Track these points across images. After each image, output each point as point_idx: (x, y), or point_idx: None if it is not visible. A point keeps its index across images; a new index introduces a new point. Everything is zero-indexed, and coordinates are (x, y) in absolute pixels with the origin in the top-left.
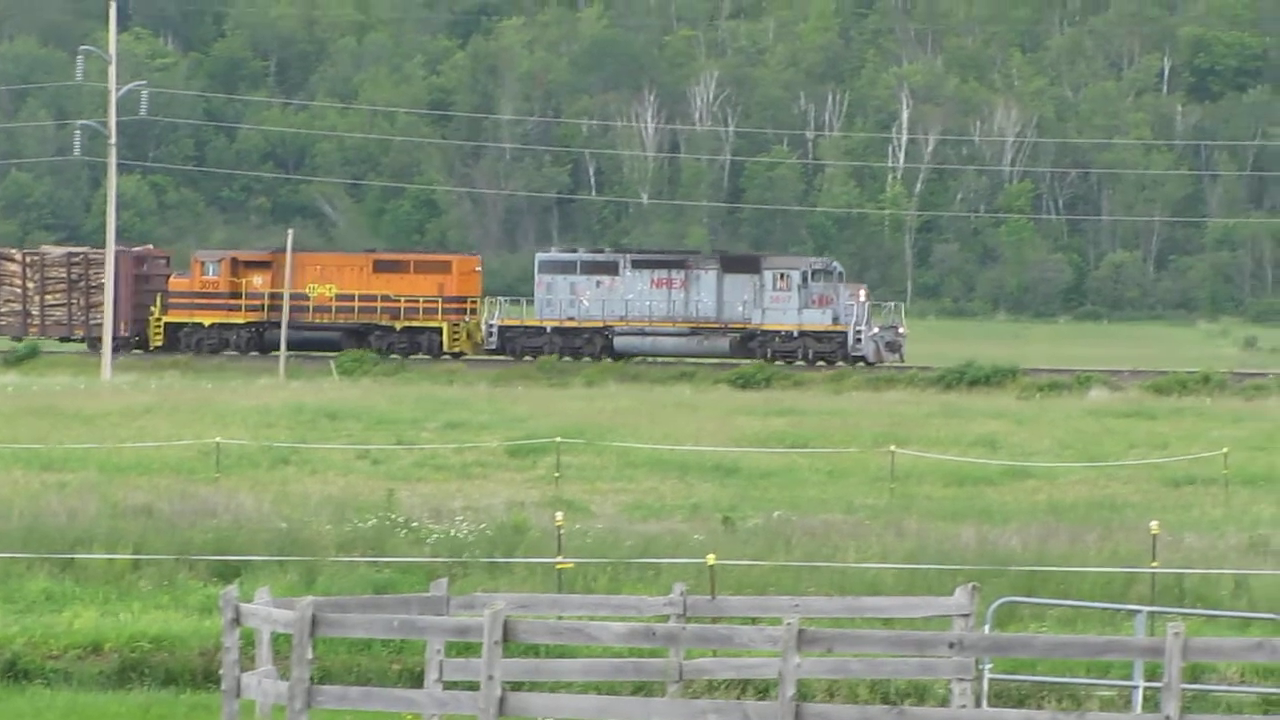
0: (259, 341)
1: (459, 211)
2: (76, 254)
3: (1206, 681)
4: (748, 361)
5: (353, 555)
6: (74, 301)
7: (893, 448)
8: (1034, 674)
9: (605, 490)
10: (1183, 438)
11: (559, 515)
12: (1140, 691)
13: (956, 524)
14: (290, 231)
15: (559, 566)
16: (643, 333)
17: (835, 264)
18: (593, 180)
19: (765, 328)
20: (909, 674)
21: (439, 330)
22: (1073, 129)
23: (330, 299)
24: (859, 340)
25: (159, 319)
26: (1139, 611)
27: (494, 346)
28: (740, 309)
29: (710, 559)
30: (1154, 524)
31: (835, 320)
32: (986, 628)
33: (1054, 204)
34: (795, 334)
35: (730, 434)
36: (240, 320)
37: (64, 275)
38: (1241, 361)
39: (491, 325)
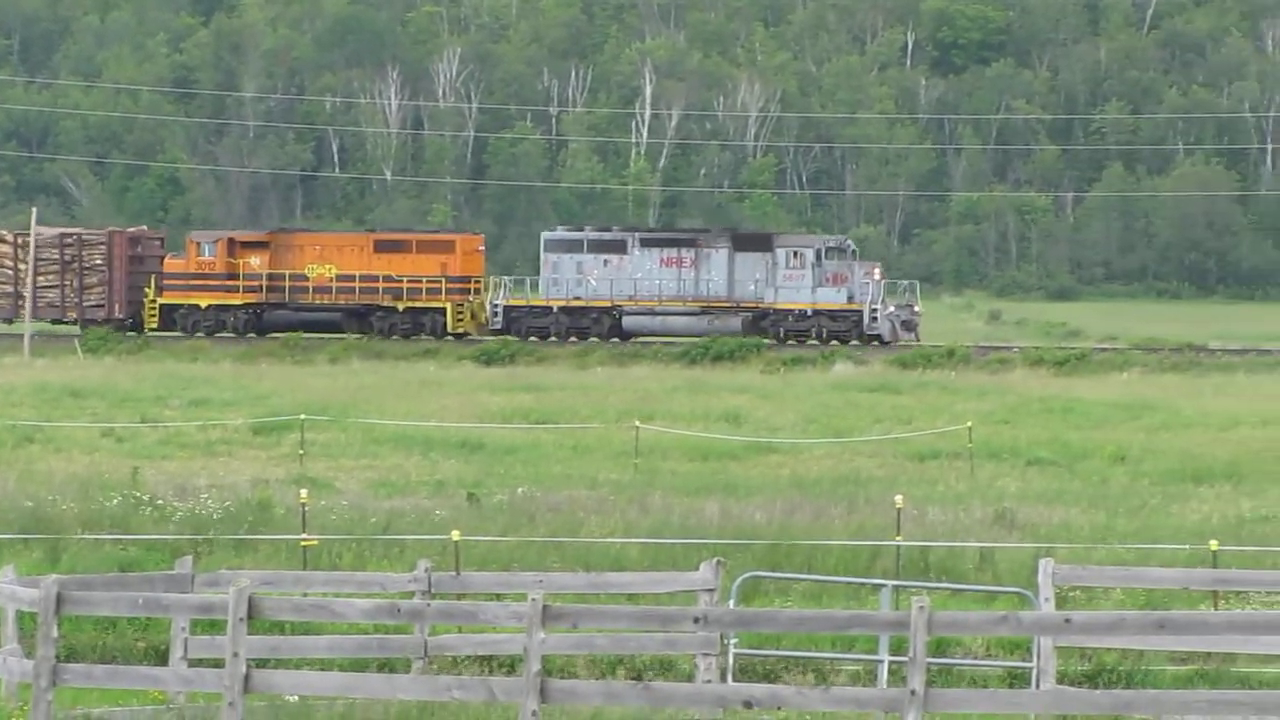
0: (257, 323)
1: (203, 189)
2: (69, 234)
3: (952, 655)
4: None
5: (98, 533)
6: (67, 283)
7: (637, 423)
8: (779, 649)
9: (350, 467)
10: (927, 412)
11: (303, 493)
12: (885, 666)
13: (701, 499)
14: (34, 209)
15: (304, 544)
16: (652, 312)
17: (849, 242)
18: (336, 157)
19: (778, 307)
20: (654, 649)
21: (443, 311)
22: (816, 103)
23: (330, 279)
24: (875, 319)
25: (154, 301)
26: (884, 586)
27: (499, 327)
28: (752, 288)
29: (455, 535)
30: (898, 498)
31: (850, 299)
32: (731, 602)
33: (798, 178)
34: (809, 313)
35: (475, 410)
36: (238, 301)
37: (56, 256)
38: (986, 335)
39: (496, 305)
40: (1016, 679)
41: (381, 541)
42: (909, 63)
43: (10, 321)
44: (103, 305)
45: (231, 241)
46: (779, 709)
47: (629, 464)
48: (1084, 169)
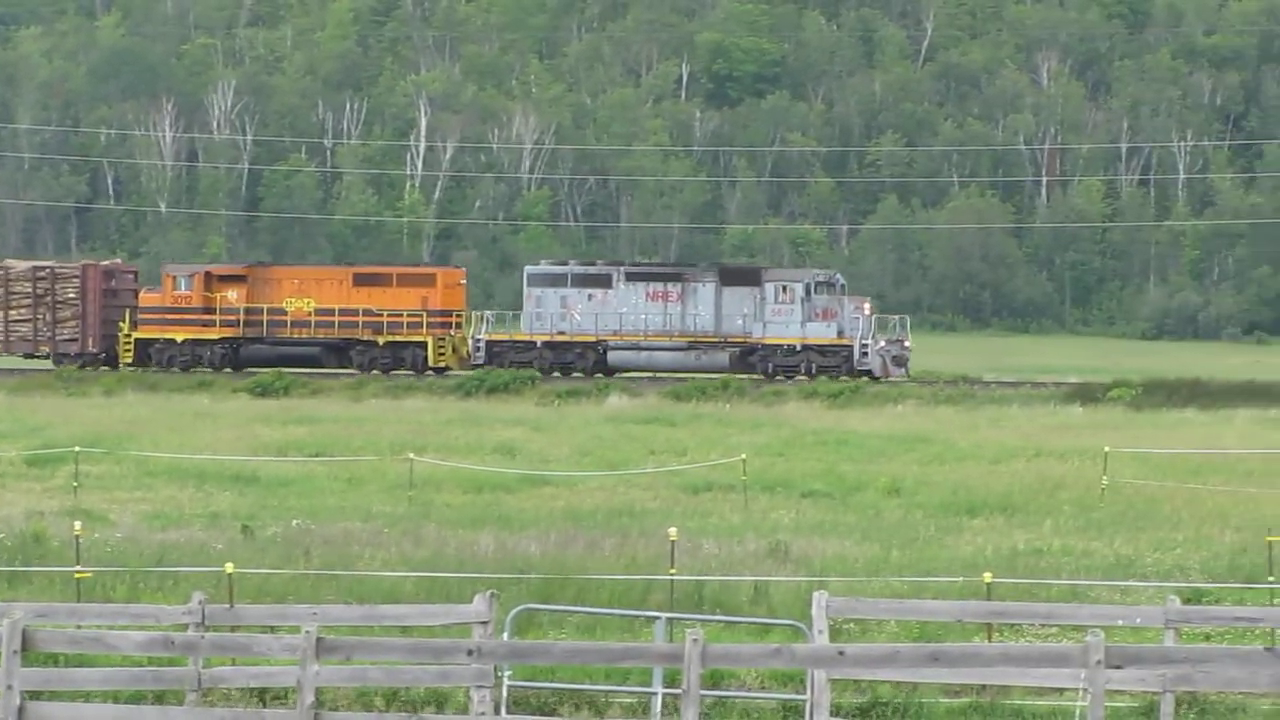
0: (234, 357)
1: None
2: (42, 268)
3: (726, 688)
4: (750, 376)
5: None
6: (39, 317)
7: (411, 455)
8: (554, 681)
9: (124, 499)
10: (702, 444)
11: (78, 525)
12: (660, 698)
13: (475, 531)
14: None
15: (78, 576)
16: (638, 347)
17: (838, 276)
18: (111, 189)
19: (766, 341)
20: (428, 681)
21: (424, 345)
22: (591, 135)
23: (309, 313)
24: (865, 354)
25: (129, 335)
26: (658, 618)
27: (481, 361)
28: (740, 322)
29: (229, 568)
30: (672, 531)
31: (840, 334)
32: (505, 635)
33: (572, 210)
34: (798, 348)
35: (250, 443)
36: (215, 336)
37: (30, 290)
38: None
39: (479, 340)
40: (790, 712)
41: (156, 574)
42: (684, 95)
43: None
44: (76, 339)
45: (209, 275)
46: None
47: (403, 496)
48: (859, 201)
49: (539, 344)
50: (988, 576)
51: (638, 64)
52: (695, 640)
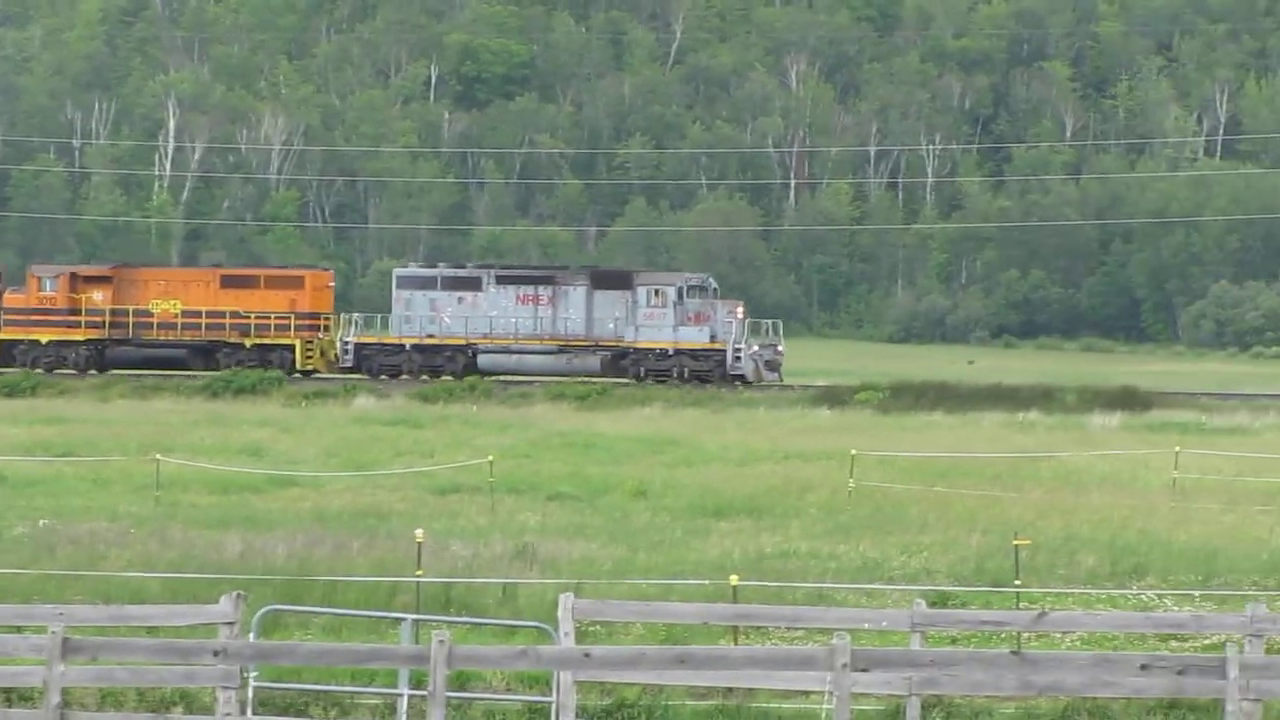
0: (99, 359)
1: None
2: None
3: (472, 689)
4: (621, 381)
5: None
6: None
7: (158, 456)
8: (300, 682)
9: None
10: (449, 446)
11: None
12: (406, 699)
13: (222, 532)
14: None
15: None
16: (508, 350)
17: (710, 280)
18: None
19: (639, 345)
20: (175, 682)
21: (291, 348)
22: (339, 137)
23: (175, 315)
24: (738, 358)
25: None
26: (404, 619)
27: (350, 364)
28: (611, 326)
29: None
30: (419, 532)
31: (713, 338)
32: (252, 635)
33: (321, 211)
34: (671, 352)
35: None
36: (80, 337)
37: None
38: None
39: (347, 343)
40: (536, 714)
41: None
42: (432, 97)
43: None
44: None
45: (74, 276)
46: None
47: (150, 497)
48: (607, 203)
49: (408, 347)
50: (734, 579)
51: (387, 65)
52: (441, 642)
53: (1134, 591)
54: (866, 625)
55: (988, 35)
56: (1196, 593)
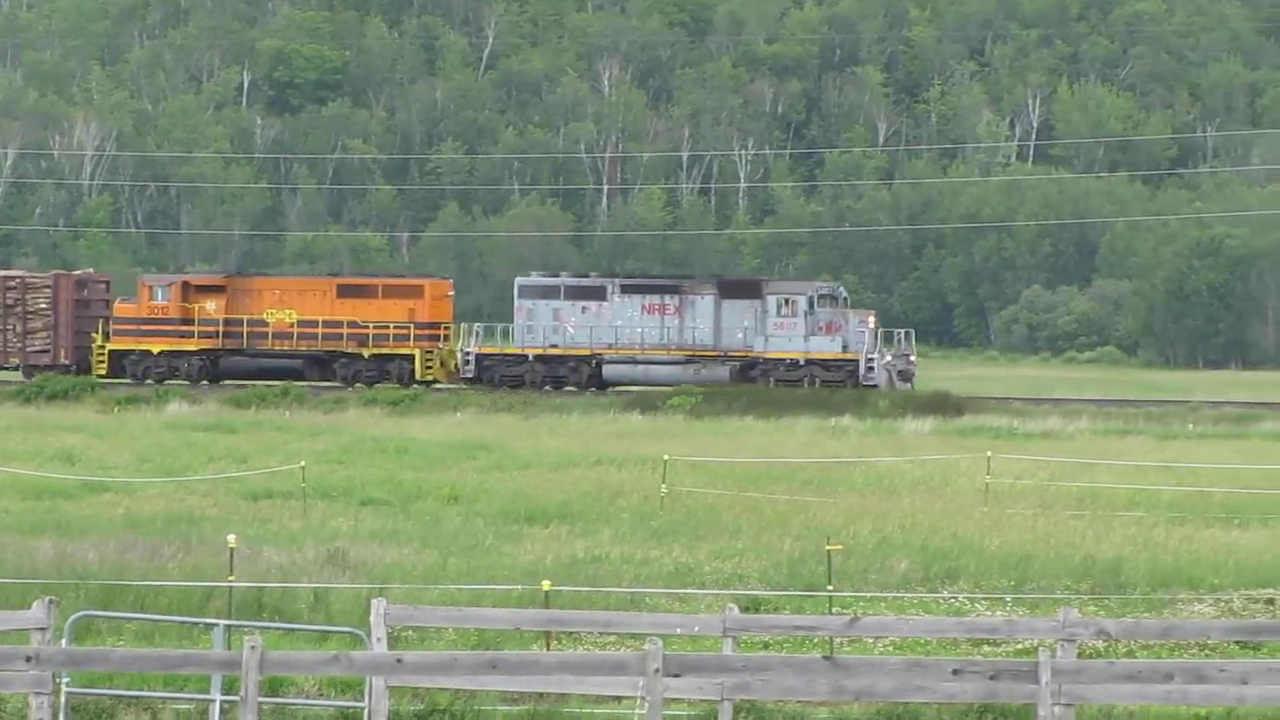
0: (212, 370)
1: None
2: (13, 277)
3: (285, 695)
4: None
5: None
6: (9, 328)
7: None
8: (113, 687)
9: None
10: (261, 451)
11: None
12: (218, 705)
13: (34, 538)
14: None
15: None
16: (634, 361)
17: (841, 289)
18: None
19: (769, 355)
20: None
21: (410, 358)
22: (152, 142)
23: (291, 325)
24: (871, 368)
25: (102, 346)
26: (216, 625)
27: (471, 375)
28: (740, 336)
29: None
30: (231, 538)
31: (845, 348)
32: (64, 641)
33: (133, 217)
34: (802, 362)
35: None
36: (193, 348)
37: None
38: None
39: (468, 353)
40: (349, 719)
41: None
42: (245, 102)
43: None
44: (48, 350)
45: (186, 285)
46: None
47: None
48: (419, 209)
49: (531, 357)
50: (546, 584)
51: (199, 71)
52: (253, 647)
53: (947, 596)
54: (679, 630)
55: (800, 40)
56: (1009, 597)
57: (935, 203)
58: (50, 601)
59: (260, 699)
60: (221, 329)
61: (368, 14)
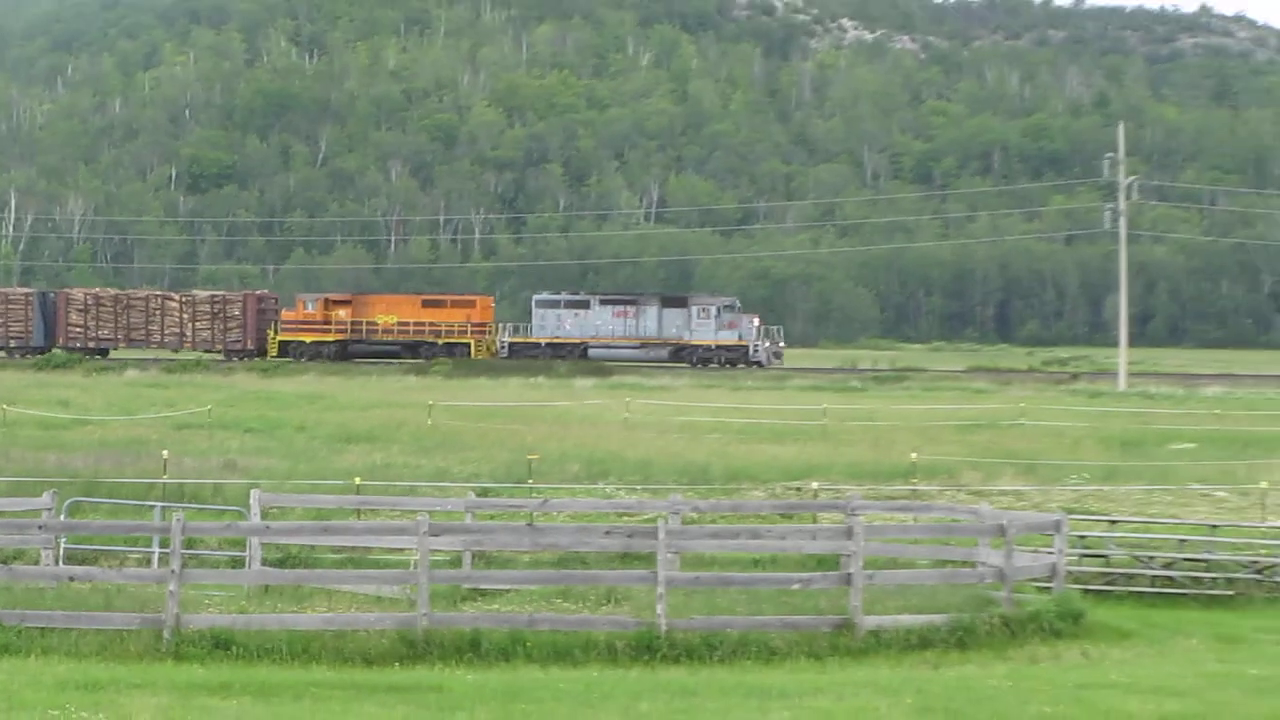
0: (343, 353)
1: None
2: (217, 296)
3: (198, 549)
4: (682, 365)
5: None
6: (215, 327)
7: (3, 405)
8: (93, 545)
9: None
10: (184, 399)
11: None
12: (157, 555)
13: (43, 452)
14: None
15: None
16: (608, 346)
17: (737, 301)
18: None
19: (693, 343)
20: (13, 545)
21: (468, 345)
22: (116, 211)
23: (393, 325)
24: (756, 351)
25: (274, 338)
26: (155, 506)
27: (505, 355)
28: (674, 330)
29: None
30: (165, 452)
31: (740, 338)
32: (62, 516)
33: (105, 256)
34: (714, 347)
35: None
36: (332, 339)
37: (208, 310)
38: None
39: (504, 342)
40: (238, 562)
41: None
42: (173, 186)
43: (176, 351)
44: (240, 340)
45: (327, 300)
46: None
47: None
48: (280, 251)
49: (543, 344)
50: (358, 480)
51: (145, 167)
52: (179, 520)
53: (601, 486)
54: (438, 508)
55: (512, 147)
56: (639, 487)
57: (595, 247)
58: (53, 492)
59: (182, 551)
60: (349, 327)
61: (248, 132)
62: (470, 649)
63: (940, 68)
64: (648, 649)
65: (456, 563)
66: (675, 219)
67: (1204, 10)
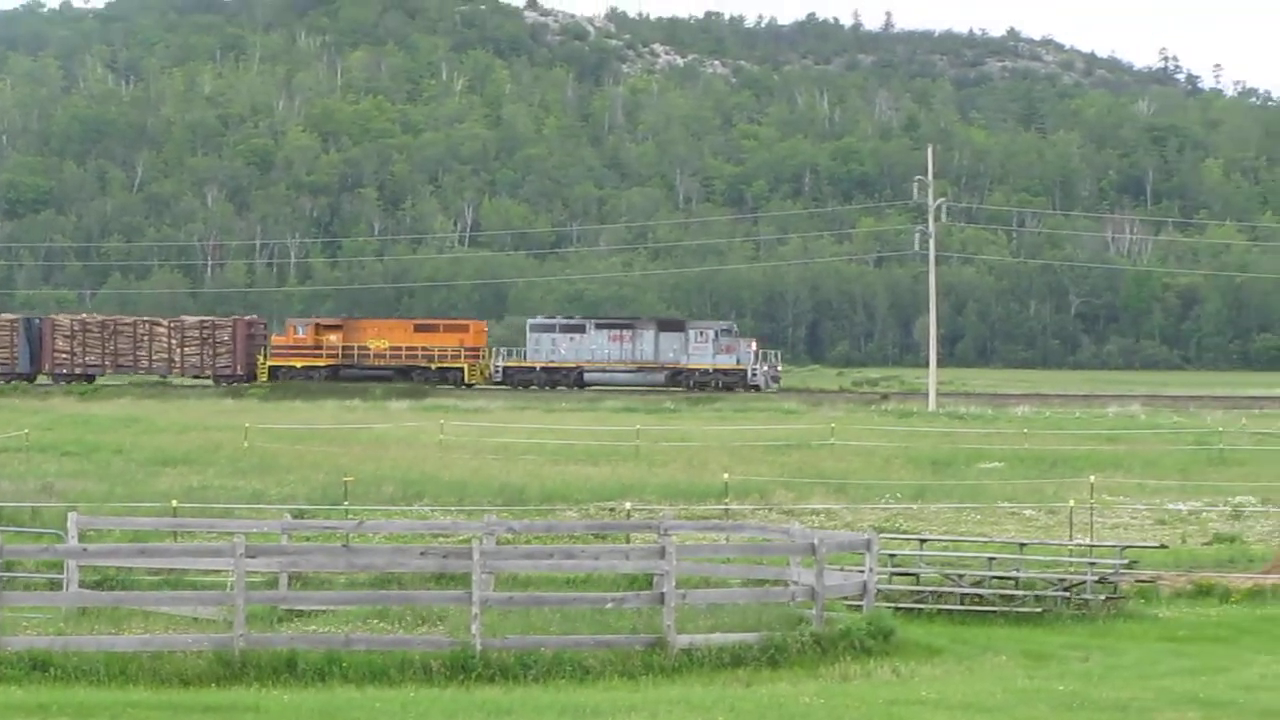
0: (335, 377)
1: None
2: (207, 321)
3: (16, 571)
4: (678, 390)
5: None
6: (204, 352)
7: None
8: None
9: None
10: (3, 423)
11: None
12: None
13: None
14: None
15: None
16: (603, 370)
17: (734, 325)
18: None
19: (690, 367)
20: None
21: (461, 370)
22: None
23: (385, 349)
24: (754, 375)
25: (264, 363)
26: None
27: (499, 379)
28: (671, 354)
29: None
30: None
31: (738, 362)
32: None
33: None
34: (711, 370)
35: None
36: (323, 364)
37: (197, 335)
38: None
39: (498, 366)
40: (55, 585)
41: None
42: None
43: (165, 376)
44: (229, 366)
45: (318, 325)
46: None
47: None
48: (98, 276)
49: (538, 369)
50: (175, 503)
51: None
52: None
53: (416, 507)
54: (255, 530)
55: (326, 172)
56: (454, 508)
57: (410, 270)
58: None
59: (2, 574)
60: (340, 352)
61: (65, 157)
62: (287, 669)
63: (751, 92)
64: (463, 669)
65: (273, 584)
66: (489, 242)
67: (1012, 34)
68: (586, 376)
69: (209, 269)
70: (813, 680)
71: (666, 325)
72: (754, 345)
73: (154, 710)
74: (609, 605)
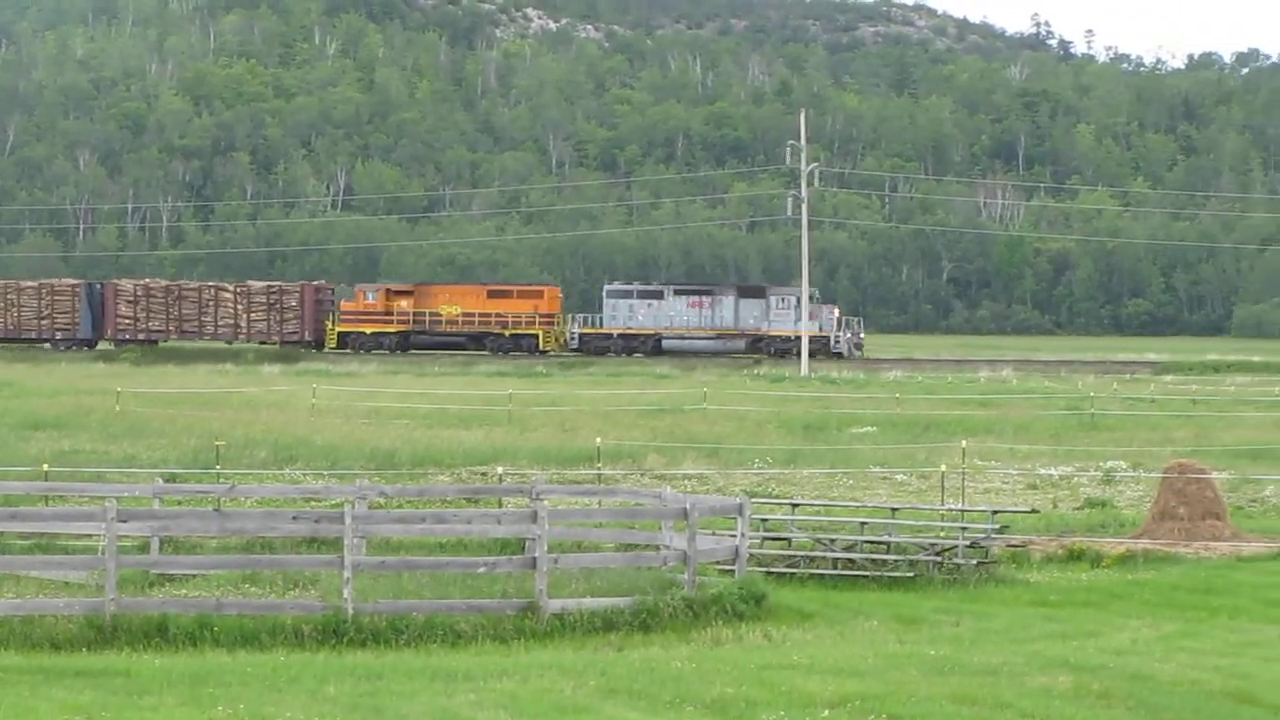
0: (405, 344)
1: None
2: (274, 286)
3: None
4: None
5: None
6: (271, 318)
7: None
8: None
9: None
10: None
11: None
12: None
13: None
14: None
15: None
16: (682, 337)
17: (816, 291)
18: None
19: (771, 334)
20: None
21: (535, 336)
22: None
23: (457, 316)
24: (837, 341)
25: (333, 329)
26: None
27: (575, 346)
28: (751, 321)
29: None
30: None
31: (820, 328)
32: None
33: None
34: (793, 338)
35: None
36: (393, 330)
37: (264, 300)
38: None
39: (574, 333)
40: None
41: None
42: None
43: (230, 343)
44: (297, 332)
45: (388, 290)
46: None
47: None
48: None
49: (615, 335)
50: (45, 467)
51: None
52: None
53: (288, 472)
54: (126, 494)
55: (199, 136)
56: (326, 472)
57: (282, 234)
58: None
59: None
60: (411, 318)
61: None
62: (158, 633)
63: (624, 56)
64: (334, 633)
65: (144, 548)
66: (362, 206)
67: None
68: (665, 344)
69: (80, 233)
70: (685, 644)
71: (747, 292)
72: (836, 312)
73: (24, 674)
74: (481, 570)
